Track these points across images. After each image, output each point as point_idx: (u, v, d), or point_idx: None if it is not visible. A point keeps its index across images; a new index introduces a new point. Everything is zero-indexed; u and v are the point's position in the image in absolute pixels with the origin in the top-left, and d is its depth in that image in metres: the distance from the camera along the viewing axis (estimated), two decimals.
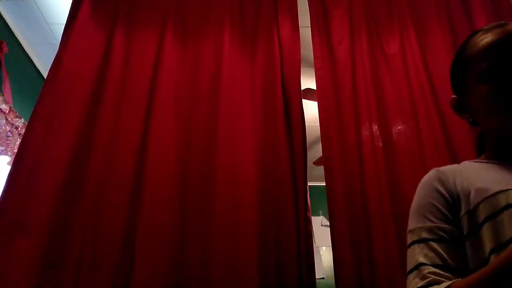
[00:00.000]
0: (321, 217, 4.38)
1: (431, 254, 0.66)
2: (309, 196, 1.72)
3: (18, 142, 2.47)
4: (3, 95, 2.41)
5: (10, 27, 2.66)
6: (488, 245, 0.63)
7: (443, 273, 0.63)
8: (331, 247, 1.50)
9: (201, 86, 1.75)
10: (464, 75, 0.83)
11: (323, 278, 3.99)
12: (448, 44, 1.89)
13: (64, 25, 1.83)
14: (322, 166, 1.65)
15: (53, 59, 1.70)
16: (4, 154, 2.46)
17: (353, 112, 1.73)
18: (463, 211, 0.69)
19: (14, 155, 1.95)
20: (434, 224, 0.69)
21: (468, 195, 0.69)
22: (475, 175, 0.73)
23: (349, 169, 1.61)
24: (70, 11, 1.86)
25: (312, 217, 4.45)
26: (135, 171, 1.53)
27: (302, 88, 1.88)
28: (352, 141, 1.67)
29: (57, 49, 1.74)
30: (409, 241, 0.72)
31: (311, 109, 2.82)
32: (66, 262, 1.35)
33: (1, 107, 2.37)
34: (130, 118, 1.64)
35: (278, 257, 1.43)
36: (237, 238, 1.43)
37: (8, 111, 2.43)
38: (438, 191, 0.73)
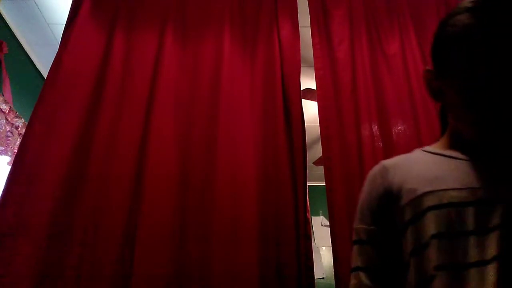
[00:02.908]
0: (321, 217, 4.39)
1: (365, 257, 0.73)
2: (309, 196, 1.72)
3: (18, 142, 2.47)
4: (3, 95, 2.41)
5: (10, 27, 2.66)
6: (409, 247, 0.66)
7: (369, 283, 0.71)
8: (331, 247, 1.50)
9: (201, 86, 1.75)
10: (443, 56, 0.73)
11: (323, 278, 3.99)
12: None
13: (64, 25, 1.83)
14: (322, 166, 1.65)
15: (53, 59, 1.70)
16: (4, 154, 2.46)
17: (353, 112, 1.73)
18: (401, 205, 0.70)
19: (14, 155, 1.95)
20: (368, 227, 0.75)
21: (404, 191, 0.70)
22: (417, 170, 0.72)
23: (349, 169, 1.61)
24: (70, 11, 1.86)
25: (312, 217, 4.46)
26: (135, 171, 1.53)
27: (302, 88, 1.88)
28: (352, 141, 1.67)
29: (57, 49, 1.74)
30: (353, 238, 0.78)
31: (311, 109, 2.82)
32: (67, 262, 1.35)
33: (1, 107, 2.37)
34: (130, 118, 1.63)
35: (278, 258, 1.43)
36: (237, 238, 1.43)
37: (8, 111, 2.43)
38: (377, 188, 0.75)
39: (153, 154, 1.55)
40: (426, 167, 0.72)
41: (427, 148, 0.79)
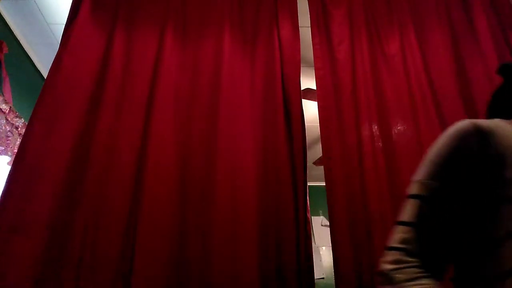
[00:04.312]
0: (321, 217, 4.38)
1: (420, 214, 0.68)
2: (309, 196, 1.72)
3: (18, 142, 2.47)
4: (3, 95, 2.41)
5: (10, 27, 2.65)
6: (506, 226, 0.62)
7: (414, 237, 0.67)
8: (331, 247, 1.50)
9: (201, 86, 1.75)
10: None
11: (323, 278, 3.99)
12: (448, 44, 1.89)
13: (64, 25, 1.83)
14: (322, 166, 1.65)
15: (53, 59, 1.70)
16: (4, 154, 2.46)
17: (353, 112, 1.73)
18: (505, 177, 0.64)
19: (14, 155, 1.95)
20: (436, 183, 0.69)
21: (509, 163, 0.64)
22: None
23: (349, 169, 1.61)
24: (70, 11, 1.86)
25: (312, 217, 4.46)
26: (135, 171, 1.53)
27: (302, 88, 1.88)
28: (352, 141, 1.67)
29: (57, 49, 1.74)
30: (412, 191, 0.72)
31: (311, 109, 2.82)
32: (66, 262, 1.35)
33: (1, 107, 2.37)
34: (130, 118, 1.63)
35: (278, 258, 1.43)
36: (237, 238, 1.43)
37: (8, 111, 2.43)
38: (470, 147, 0.68)
39: (153, 154, 1.55)
40: None
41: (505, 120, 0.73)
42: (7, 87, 2.46)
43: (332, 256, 1.47)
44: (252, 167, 1.58)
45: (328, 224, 1.53)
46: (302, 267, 1.42)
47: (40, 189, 1.43)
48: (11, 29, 2.66)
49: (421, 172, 0.71)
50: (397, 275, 0.64)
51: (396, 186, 1.56)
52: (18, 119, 2.53)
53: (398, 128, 1.71)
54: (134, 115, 1.64)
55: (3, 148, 2.43)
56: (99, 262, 1.36)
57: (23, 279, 1.29)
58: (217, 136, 1.62)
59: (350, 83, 1.79)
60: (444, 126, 1.66)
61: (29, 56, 2.90)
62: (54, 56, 1.70)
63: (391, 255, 0.67)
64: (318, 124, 1.71)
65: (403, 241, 0.67)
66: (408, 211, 0.70)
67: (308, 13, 2.00)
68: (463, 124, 0.70)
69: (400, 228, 0.69)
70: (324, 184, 1.58)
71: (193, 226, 1.46)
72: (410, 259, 0.65)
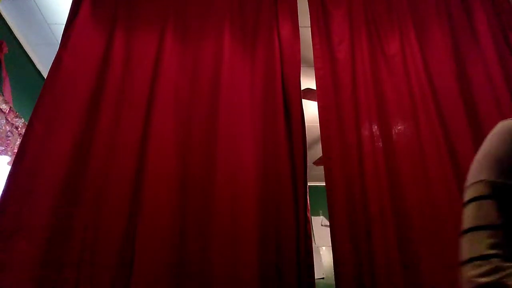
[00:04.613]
0: (321, 217, 4.39)
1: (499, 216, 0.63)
2: (309, 196, 1.72)
3: (18, 142, 2.47)
4: (3, 95, 2.41)
5: (10, 27, 2.65)
6: None
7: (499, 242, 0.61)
8: (331, 247, 1.50)
9: (201, 86, 1.75)
10: None
11: (323, 278, 3.99)
12: (448, 44, 1.89)
13: (64, 25, 1.83)
14: (322, 166, 1.65)
15: (53, 59, 1.70)
16: (4, 154, 2.46)
17: (353, 112, 1.73)
18: None
19: (14, 155, 1.95)
20: (508, 181, 0.65)
21: None
22: None
23: (349, 169, 1.61)
24: (70, 11, 1.86)
25: (312, 217, 4.46)
26: (135, 171, 1.53)
27: (302, 88, 1.88)
28: (352, 141, 1.67)
29: (57, 49, 1.74)
30: (477, 193, 0.66)
31: (311, 109, 2.83)
32: (66, 262, 1.35)
33: (1, 107, 2.37)
34: (130, 118, 1.63)
35: (278, 257, 1.43)
36: (237, 238, 1.43)
37: (8, 111, 2.43)
38: None
39: (153, 154, 1.55)
40: None
41: None
42: (7, 87, 2.46)
43: (332, 256, 1.47)
44: (252, 167, 1.58)
45: (328, 224, 1.53)
46: (302, 267, 1.42)
47: (40, 189, 1.43)
48: (11, 29, 2.66)
49: (484, 172, 0.67)
50: (510, 283, 0.57)
51: (396, 186, 1.56)
52: (18, 119, 2.53)
53: (398, 128, 1.71)
54: (134, 115, 1.64)
55: (3, 148, 2.43)
56: (99, 262, 1.36)
57: (23, 279, 1.29)
58: (217, 136, 1.62)
59: (350, 83, 1.79)
60: (444, 126, 1.66)
61: (29, 56, 2.90)
62: (54, 56, 1.70)
63: (484, 265, 0.59)
64: (318, 124, 1.71)
65: (493, 247, 0.60)
66: (484, 214, 0.64)
67: (308, 13, 2.00)
68: None
69: (482, 233, 0.62)
70: (324, 184, 1.59)
71: (193, 226, 1.46)
72: (510, 264, 0.58)
